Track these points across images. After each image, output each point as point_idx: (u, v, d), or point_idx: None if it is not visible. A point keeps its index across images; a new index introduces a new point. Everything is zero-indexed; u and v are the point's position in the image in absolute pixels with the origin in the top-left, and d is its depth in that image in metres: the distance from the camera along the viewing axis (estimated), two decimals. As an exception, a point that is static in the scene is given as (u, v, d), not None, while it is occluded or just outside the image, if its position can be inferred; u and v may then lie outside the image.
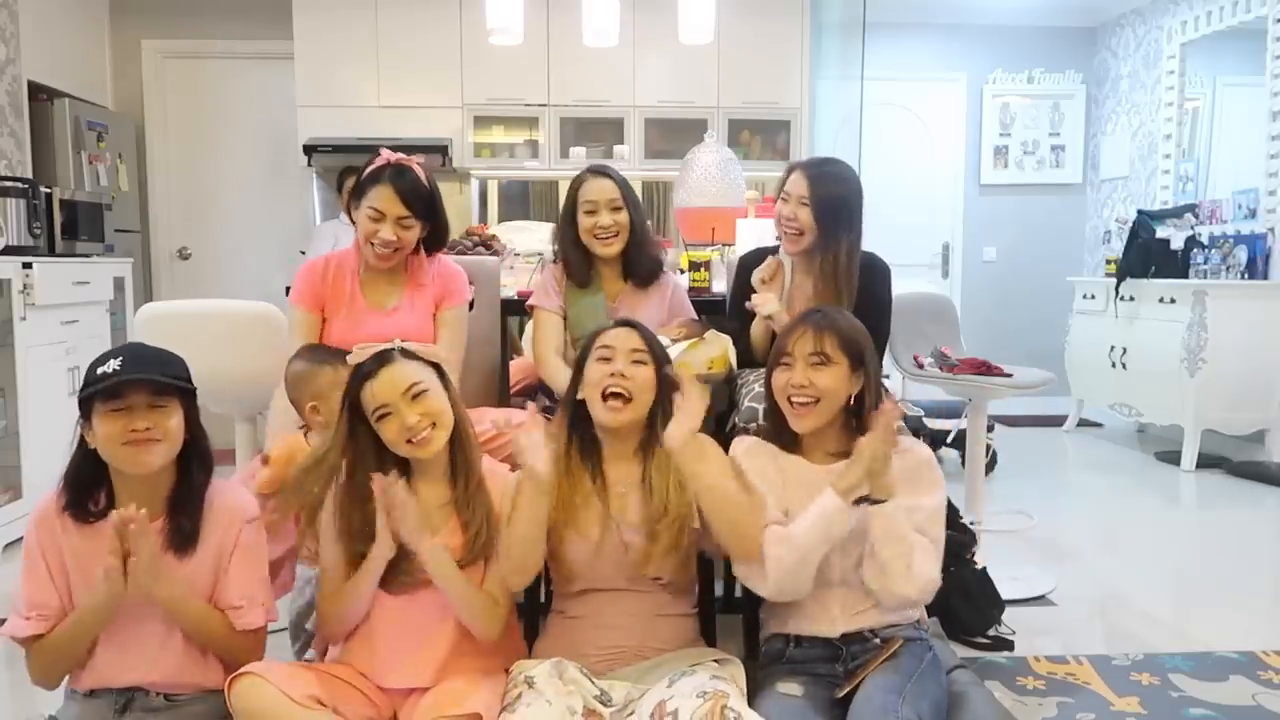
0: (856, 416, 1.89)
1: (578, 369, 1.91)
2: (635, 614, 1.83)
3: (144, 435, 1.58)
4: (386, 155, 2.28)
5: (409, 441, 1.73)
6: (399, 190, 2.22)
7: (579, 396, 1.87)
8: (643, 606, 1.84)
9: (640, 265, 2.52)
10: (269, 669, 1.62)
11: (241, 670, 1.60)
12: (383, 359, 1.77)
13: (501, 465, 1.94)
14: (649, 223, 5.46)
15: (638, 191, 5.87)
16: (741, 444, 1.97)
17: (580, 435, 1.90)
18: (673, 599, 1.88)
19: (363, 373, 1.76)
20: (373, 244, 2.24)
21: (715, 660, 1.81)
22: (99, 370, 1.59)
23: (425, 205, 2.26)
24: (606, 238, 2.46)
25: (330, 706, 1.62)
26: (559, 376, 2.38)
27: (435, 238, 2.36)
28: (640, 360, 1.84)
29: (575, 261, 2.51)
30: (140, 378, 1.59)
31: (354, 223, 2.32)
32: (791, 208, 2.34)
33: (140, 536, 1.56)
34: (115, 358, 1.60)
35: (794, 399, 1.85)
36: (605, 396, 1.82)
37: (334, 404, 1.85)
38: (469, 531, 1.77)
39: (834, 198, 2.31)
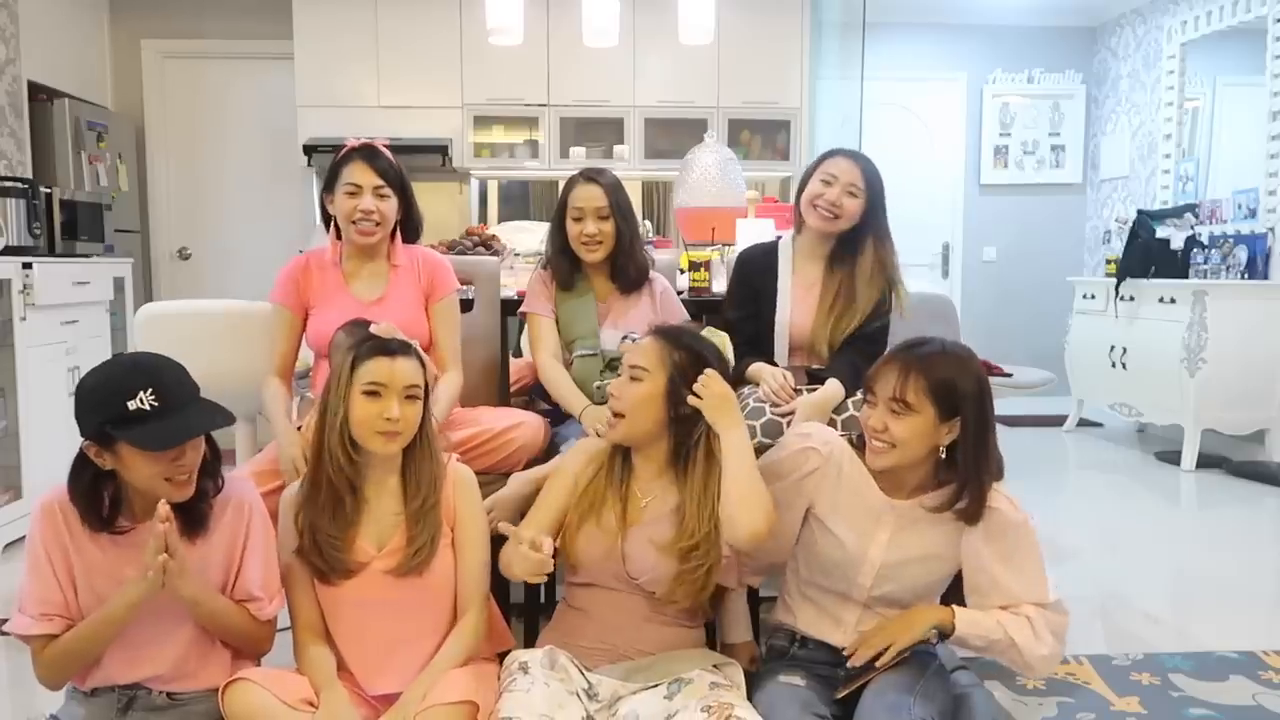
0: (950, 462, 1.74)
1: None
2: (631, 614, 1.82)
3: (186, 471, 1.59)
4: (352, 141, 2.34)
5: (378, 431, 1.71)
6: (371, 163, 2.28)
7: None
8: (640, 609, 1.82)
9: (627, 272, 2.51)
10: (262, 675, 1.63)
11: (235, 677, 1.61)
12: (407, 348, 1.77)
13: (463, 468, 1.90)
14: (647, 223, 5.48)
15: (638, 192, 5.94)
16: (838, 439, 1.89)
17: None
18: (675, 612, 1.85)
19: (383, 346, 1.74)
20: (354, 222, 2.27)
21: (714, 665, 1.80)
22: (130, 406, 1.52)
23: (398, 176, 2.32)
24: (592, 245, 2.46)
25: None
26: (557, 381, 2.40)
27: (411, 224, 2.40)
28: (636, 377, 1.84)
29: (561, 265, 2.51)
30: (199, 429, 1.59)
31: (330, 217, 2.34)
32: (837, 193, 2.29)
33: (173, 538, 1.56)
34: (146, 389, 1.54)
35: (871, 439, 1.76)
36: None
37: None
38: (411, 546, 1.74)
39: (881, 190, 2.33)
